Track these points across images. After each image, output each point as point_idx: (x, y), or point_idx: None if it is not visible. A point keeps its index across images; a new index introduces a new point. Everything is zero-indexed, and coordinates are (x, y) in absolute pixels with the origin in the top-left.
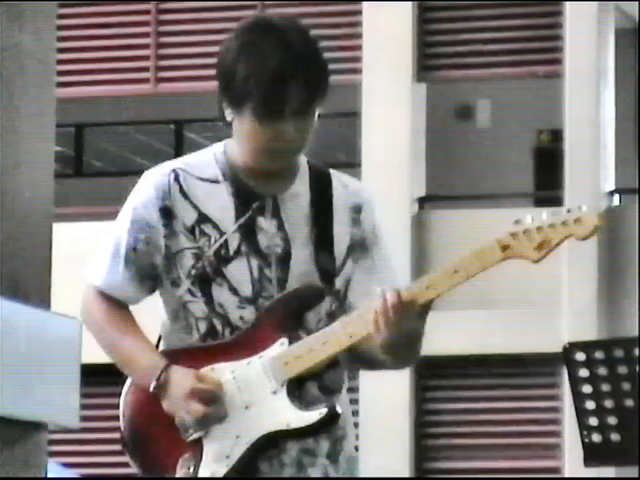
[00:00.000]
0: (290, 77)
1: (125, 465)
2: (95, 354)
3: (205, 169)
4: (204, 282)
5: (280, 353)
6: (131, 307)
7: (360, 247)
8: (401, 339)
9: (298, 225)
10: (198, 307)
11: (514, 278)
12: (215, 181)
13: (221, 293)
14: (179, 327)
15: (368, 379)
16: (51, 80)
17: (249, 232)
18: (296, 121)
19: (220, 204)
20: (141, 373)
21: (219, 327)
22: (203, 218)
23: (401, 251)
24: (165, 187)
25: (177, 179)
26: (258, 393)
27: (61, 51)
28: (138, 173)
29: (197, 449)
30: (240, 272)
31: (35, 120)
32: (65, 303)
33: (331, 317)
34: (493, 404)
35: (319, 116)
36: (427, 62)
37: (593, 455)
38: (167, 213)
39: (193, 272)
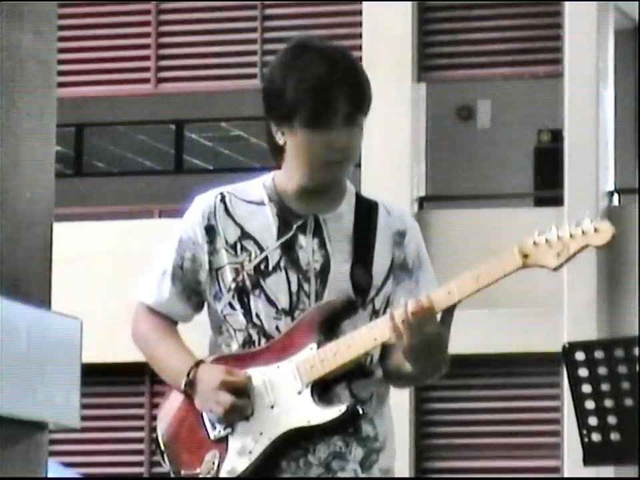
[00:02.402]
0: (337, 88)
1: (126, 464)
2: (95, 354)
3: (252, 193)
4: (242, 294)
5: (308, 357)
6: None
7: (402, 268)
8: (423, 344)
9: (339, 243)
10: (236, 319)
11: (514, 278)
12: (261, 203)
13: (258, 304)
14: (221, 340)
15: None
16: (52, 80)
17: (289, 248)
18: (346, 131)
19: (262, 222)
20: (174, 375)
21: (255, 336)
22: (245, 235)
23: None
24: (210, 208)
25: (222, 200)
26: (283, 393)
27: (62, 50)
28: (138, 173)
29: (223, 446)
30: (278, 284)
31: (35, 120)
32: (65, 303)
33: None
34: (493, 404)
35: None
36: (427, 62)
37: (592, 454)
38: (211, 231)
39: (233, 285)
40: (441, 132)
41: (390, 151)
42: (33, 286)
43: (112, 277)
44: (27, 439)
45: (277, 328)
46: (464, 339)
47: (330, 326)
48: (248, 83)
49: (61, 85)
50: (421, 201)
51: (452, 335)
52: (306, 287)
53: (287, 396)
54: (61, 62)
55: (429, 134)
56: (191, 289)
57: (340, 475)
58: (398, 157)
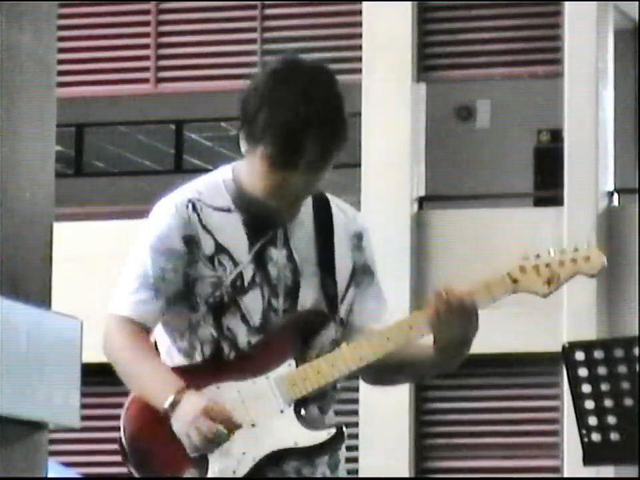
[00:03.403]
0: (309, 132)
1: (126, 464)
2: (95, 354)
3: (217, 198)
4: (218, 309)
5: (288, 374)
6: None
7: (363, 272)
8: (458, 337)
9: (305, 254)
10: (206, 331)
11: None
12: (227, 210)
13: (231, 320)
14: (181, 346)
15: None
16: (51, 80)
17: (261, 263)
18: (308, 174)
19: (233, 234)
20: (157, 393)
21: (225, 349)
22: (220, 248)
23: (401, 250)
24: (185, 217)
25: (194, 208)
26: (265, 411)
27: (61, 50)
28: (138, 173)
29: (202, 464)
30: (254, 302)
31: (35, 120)
32: (65, 303)
33: (335, 344)
34: (493, 404)
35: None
36: (427, 62)
37: (592, 454)
38: (189, 242)
39: (211, 300)
40: (440, 132)
41: (390, 151)
42: (32, 286)
43: (112, 277)
44: (27, 438)
45: (249, 343)
46: None
47: (304, 340)
48: (248, 83)
49: (60, 84)
50: (421, 201)
51: None
52: (275, 303)
53: (269, 415)
54: (60, 62)
55: (428, 134)
56: (173, 299)
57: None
58: (398, 157)
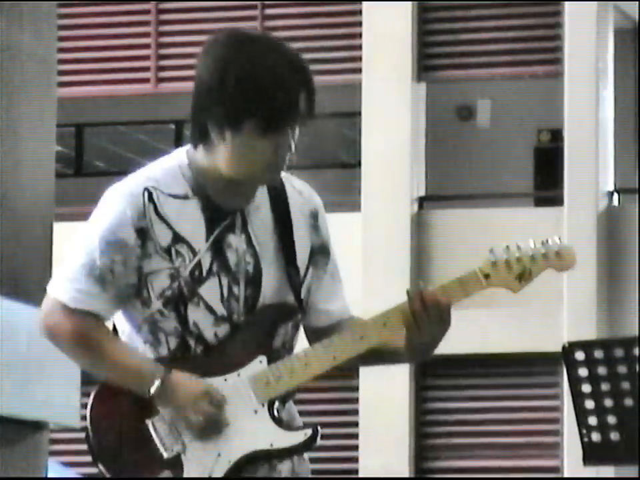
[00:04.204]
0: (297, 89)
1: None
2: None
3: (174, 185)
4: (179, 302)
5: (260, 373)
6: None
7: (321, 252)
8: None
9: (264, 239)
10: (169, 324)
11: None
12: (185, 197)
13: (196, 312)
14: (143, 338)
15: (368, 379)
16: (51, 80)
17: (219, 250)
18: (292, 134)
19: (191, 222)
20: (135, 379)
21: (191, 343)
22: (177, 238)
23: (401, 250)
24: (139, 207)
25: (150, 198)
26: (237, 411)
27: (61, 50)
28: None
29: (176, 466)
30: (213, 291)
31: (35, 120)
32: None
33: (296, 328)
34: (493, 403)
35: (318, 115)
36: (427, 62)
37: (592, 454)
38: (143, 234)
39: (168, 293)
40: (440, 132)
41: (390, 150)
42: (32, 286)
43: None
44: (27, 438)
45: (216, 335)
46: (463, 339)
47: (270, 333)
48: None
49: (60, 84)
50: (421, 201)
51: (452, 335)
52: (236, 291)
53: (242, 414)
54: (60, 62)
55: (428, 134)
56: (122, 293)
57: (280, 466)
58: (398, 157)
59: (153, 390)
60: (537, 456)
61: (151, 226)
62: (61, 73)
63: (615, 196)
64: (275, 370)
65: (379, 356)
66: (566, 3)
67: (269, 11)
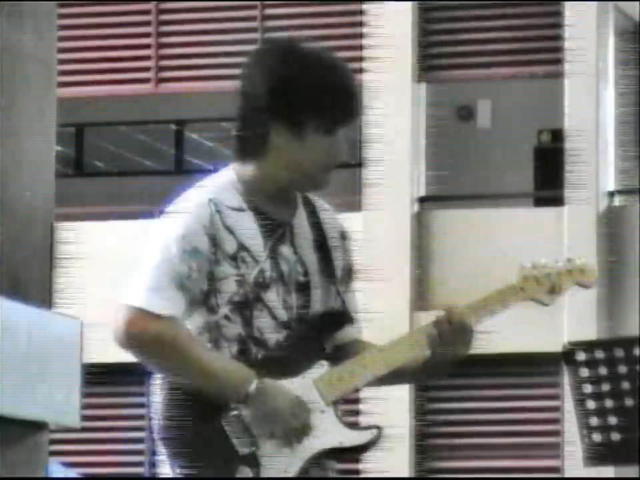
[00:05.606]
0: (353, 93)
1: (126, 464)
2: (95, 354)
3: (230, 198)
4: (245, 307)
5: (323, 375)
6: None
7: (348, 272)
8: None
9: (308, 251)
10: (233, 330)
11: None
12: (240, 209)
13: (260, 318)
14: (204, 341)
15: None
16: (52, 80)
17: (274, 259)
18: (343, 136)
19: (249, 232)
20: (232, 382)
21: (253, 348)
22: (241, 246)
23: (401, 250)
24: (209, 217)
25: (216, 208)
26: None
27: (62, 50)
28: (138, 173)
29: (254, 464)
30: (274, 298)
31: (35, 120)
32: (65, 303)
33: (342, 334)
34: (493, 404)
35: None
36: (427, 62)
37: (593, 454)
38: (214, 242)
39: (236, 298)
40: (441, 132)
41: (390, 150)
42: (32, 286)
43: (112, 276)
44: (27, 439)
45: (276, 340)
46: None
47: (326, 339)
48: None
49: (60, 84)
50: (421, 201)
51: None
52: (288, 299)
53: (312, 414)
54: (61, 62)
55: (429, 134)
56: (195, 299)
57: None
58: (398, 157)
59: (251, 390)
60: (538, 456)
61: (219, 234)
62: (61, 73)
63: (615, 196)
64: (336, 372)
65: (404, 374)
66: (566, 3)
67: (268, 11)
